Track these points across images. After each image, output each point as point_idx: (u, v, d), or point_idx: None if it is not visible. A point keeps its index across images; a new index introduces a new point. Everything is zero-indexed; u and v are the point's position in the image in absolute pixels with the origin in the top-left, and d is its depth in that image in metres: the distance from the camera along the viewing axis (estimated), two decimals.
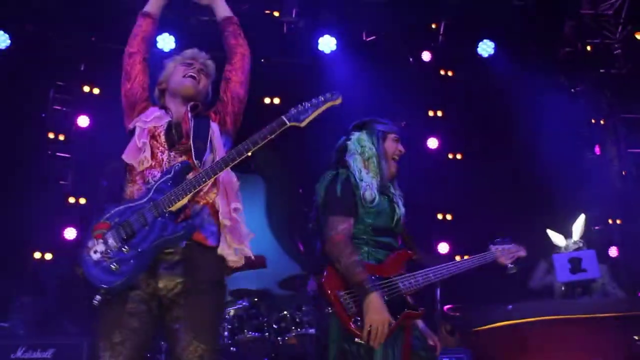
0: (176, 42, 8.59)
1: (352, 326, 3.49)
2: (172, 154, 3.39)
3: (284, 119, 3.45)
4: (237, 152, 3.32)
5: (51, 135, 8.95)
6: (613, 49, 8.97)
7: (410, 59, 9.53)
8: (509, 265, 4.12)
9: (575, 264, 6.42)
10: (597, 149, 9.32)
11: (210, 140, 3.43)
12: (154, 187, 3.25)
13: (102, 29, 8.93)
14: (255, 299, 6.81)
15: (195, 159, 3.34)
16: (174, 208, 3.17)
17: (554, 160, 8.32)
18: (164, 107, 3.60)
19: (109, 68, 8.68)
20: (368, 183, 3.69)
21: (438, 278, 3.78)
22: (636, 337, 5.95)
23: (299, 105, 3.51)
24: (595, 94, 9.27)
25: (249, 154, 3.28)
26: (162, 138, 3.41)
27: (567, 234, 6.73)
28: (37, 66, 8.82)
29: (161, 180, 3.27)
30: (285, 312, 6.59)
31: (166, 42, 8.61)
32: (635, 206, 8.31)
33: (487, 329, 6.69)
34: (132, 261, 3.06)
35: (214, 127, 3.53)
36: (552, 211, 7.91)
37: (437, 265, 3.85)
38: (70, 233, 8.46)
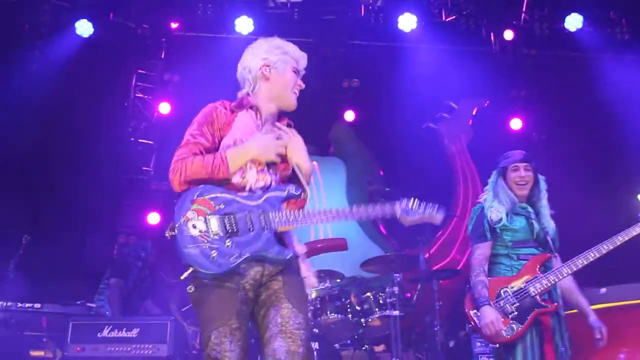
0: (255, 25, 8.57)
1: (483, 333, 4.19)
2: (271, 170, 3.34)
3: (397, 209, 3.49)
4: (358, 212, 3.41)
5: (134, 123, 9.10)
6: None
7: (492, 38, 9.27)
8: None
9: None
10: None
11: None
12: (266, 197, 3.26)
13: (182, 18, 9.02)
14: (338, 280, 6.73)
15: (303, 191, 3.35)
16: (281, 229, 3.22)
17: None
18: (254, 109, 3.45)
19: (189, 55, 8.88)
20: (495, 207, 4.33)
21: (571, 271, 4.20)
22: None
23: (414, 202, 3.51)
24: None
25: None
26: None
27: None
28: (119, 55, 8.98)
29: (273, 193, 3.27)
30: (368, 294, 6.51)
31: (244, 25, 8.60)
32: None
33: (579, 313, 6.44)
34: (232, 259, 3.10)
35: None
36: None
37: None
38: (153, 218, 8.59)
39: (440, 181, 9.13)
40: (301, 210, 3.31)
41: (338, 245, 8.22)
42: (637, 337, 5.55)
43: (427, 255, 6.63)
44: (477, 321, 4.16)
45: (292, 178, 3.41)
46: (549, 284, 4.15)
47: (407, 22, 8.73)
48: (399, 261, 6.56)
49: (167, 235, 3.14)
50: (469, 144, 9.49)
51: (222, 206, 3.16)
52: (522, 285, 4.16)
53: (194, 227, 3.10)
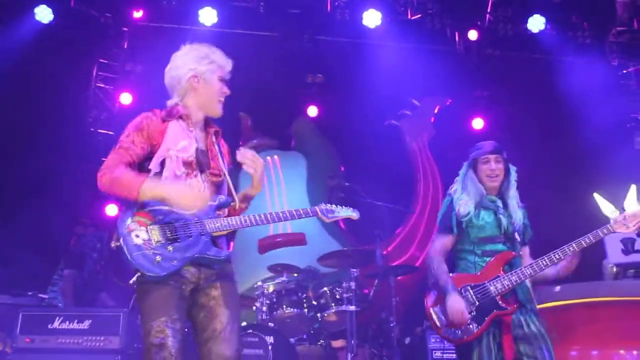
0: (219, 16, 8.48)
1: (442, 332, 4.10)
2: (203, 176, 3.60)
3: (317, 210, 3.82)
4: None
5: (94, 113, 8.96)
6: None
7: (457, 38, 9.31)
8: (637, 233, 4.34)
9: (628, 245, 6.15)
10: None
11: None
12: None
13: (145, 7, 8.91)
14: (295, 275, 6.70)
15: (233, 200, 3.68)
16: (216, 234, 3.55)
17: (602, 143, 8.06)
18: (184, 118, 3.66)
19: (152, 46, 8.76)
20: (464, 201, 4.22)
21: (534, 273, 4.08)
22: None
23: (329, 206, 3.85)
24: None
25: None
26: (194, 165, 3.59)
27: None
28: (80, 43, 8.82)
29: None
30: (325, 289, 6.49)
31: (208, 16, 8.50)
32: None
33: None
34: (175, 262, 3.42)
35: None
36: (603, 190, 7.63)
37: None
38: (111, 210, 8.47)
39: (401, 178, 9.15)
40: (233, 217, 3.60)
41: (297, 239, 8.23)
42: (589, 335, 5.62)
43: (385, 252, 6.63)
44: (436, 319, 4.09)
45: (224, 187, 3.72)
46: (510, 285, 4.05)
47: (372, 18, 8.71)
48: (356, 256, 6.56)
49: (112, 245, 3.42)
50: (430, 142, 9.52)
51: (161, 217, 3.47)
52: (484, 285, 4.06)
53: (137, 236, 3.41)
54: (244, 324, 6.28)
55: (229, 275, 3.62)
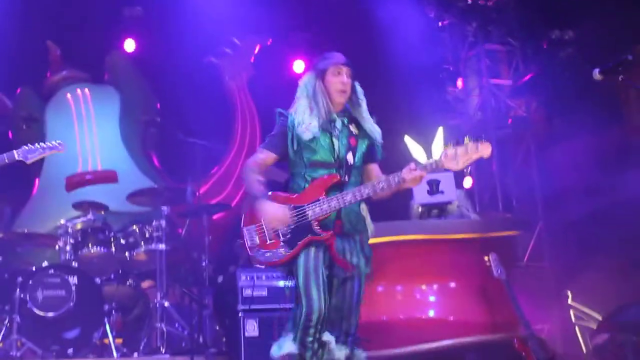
0: None
1: (252, 253, 3.89)
2: None
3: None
4: None
5: None
6: None
7: None
8: (462, 169, 4.01)
9: (433, 186, 6.41)
10: (460, 83, 9.36)
11: None
12: None
13: None
14: (102, 213, 6.39)
15: None
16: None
17: (418, 92, 8.29)
18: None
19: None
20: (306, 123, 3.90)
21: (356, 199, 3.85)
22: (487, 259, 6.05)
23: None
24: (461, 26, 9.26)
25: None
26: None
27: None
28: None
29: None
30: (134, 227, 6.25)
31: None
32: (493, 138, 8.43)
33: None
34: None
35: None
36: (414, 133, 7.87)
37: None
38: None
39: (219, 117, 8.96)
40: None
41: (107, 177, 7.87)
42: (395, 271, 5.83)
43: (200, 191, 6.48)
44: (247, 239, 3.85)
45: None
46: (329, 210, 3.79)
47: None
48: (167, 194, 6.37)
49: None
50: (250, 82, 9.38)
51: None
52: (302, 207, 3.80)
53: None
54: (45, 264, 5.94)
55: None
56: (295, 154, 3.95)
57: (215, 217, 7.38)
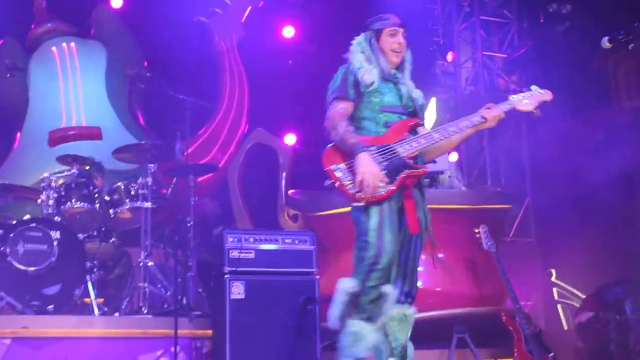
0: None
1: (349, 191, 3.75)
2: None
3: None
4: None
5: None
6: None
7: None
8: (533, 110, 4.10)
9: None
10: (450, 56, 9.24)
11: None
12: None
13: None
14: (87, 168, 6.23)
15: None
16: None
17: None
18: None
19: None
20: (367, 69, 3.96)
21: (444, 137, 3.91)
22: (477, 231, 6.02)
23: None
24: None
25: None
26: None
27: None
28: None
29: None
30: (119, 184, 6.10)
31: None
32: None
33: (327, 215, 6.59)
34: None
35: None
36: None
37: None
38: None
39: (207, 77, 8.80)
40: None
41: (91, 133, 7.70)
42: None
43: (187, 152, 6.33)
44: (340, 176, 3.75)
45: None
46: (418, 147, 3.84)
47: None
48: (153, 151, 6.21)
49: None
50: (239, 44, 9.19)
51: None
52: (390, 146, 3.81)
53: None
54: (27, 217, 5.79)
55: None
56: (363, 98, 3.96)
57: (199, 178, 7.23)
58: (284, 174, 8.01)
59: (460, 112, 8.37)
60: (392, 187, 3.72)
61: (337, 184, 3.78)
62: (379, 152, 3.78)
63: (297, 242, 5.51)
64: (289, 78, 9.06)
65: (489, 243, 5.95)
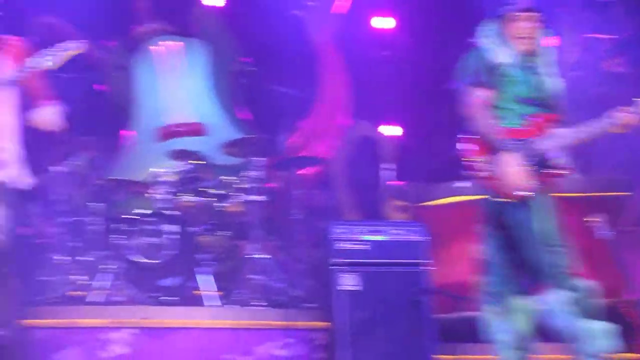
0: None
1: (492, 184, 3.78)
2: None
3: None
4: None
5: None
6: None
7: None
8: None
9: None
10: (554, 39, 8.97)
11: None
12: None
13: None
14: (196, 162, 6.36)
15: None
16: None
17: None
18: None
19: None
20: (500, 50, 3.87)
21: (588, 137, 3.84)
22: (592, 219, 5.84)
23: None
24: None
25: None
26: None
27: None
28: None
29: None
30: (229, 178, 6.23)
31: None
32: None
33: (436, 205, 6.51)
34: None
35: None
36: None
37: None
38: None
39: (306, 70, 8.83)
40: None
41: (197, 129, 7.86)
42: None
43: (290, 142, 6.41)
44: (483, 169, 3.77)
45: None
46: (563, 142, 3.78)
47: None
48: (261, 144, 6.30)
49: None
50: (336, 35, 9.18)
51: None
52: (533, 140, 3.77)
53: None
54: (142, 211, 5.96)
55: None
56: (497, 87, 3.87)
57: (304, 171, 7.28)
58: (388, 165, 7.95)
59: (565, 97, 8.15)
60: (537, 185, 3.70)
61: (482, 176, 3.79)
62: (521, 146, 3.72)
63: (407, 233, 5.51)
64: (388, 69, 8.99)
65: (604, 232, 5.76)
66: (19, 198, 3.96)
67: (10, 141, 3.97)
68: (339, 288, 5.25)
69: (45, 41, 4.43)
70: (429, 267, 5.35)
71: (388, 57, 9.14)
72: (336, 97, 8.88)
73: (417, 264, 5.34)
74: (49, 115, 4.17)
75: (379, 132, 8.52)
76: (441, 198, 6.46)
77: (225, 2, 9.11)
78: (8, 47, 4.03)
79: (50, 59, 3.88)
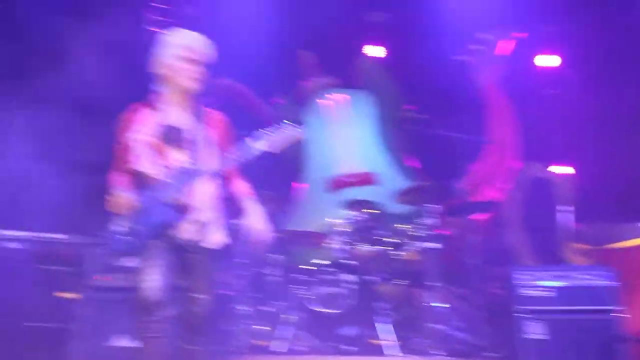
0: None
1: None
2: None
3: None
4: None
5: None
6: None
7: None
8: None
9: None
10: None
11: None
12: None
13: None
14: (371, 212, 6.42)
15: None
16: None
17: None
18: None
19: None
20: None
21: None
22: None
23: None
24: None
25: None
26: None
27: None
28: None
29: None
30: (403, 226, 6.24)
31: None
32: None
33: (623, 247, 6.19)
34: None
35: None
36: None
37: None
38: None
39: (473, 113, 8.75)
40: None
41: (368, 179, 7.98)
42: None
43: (461, 188, 6.33)
44: None
45: None
46: None
47: None
48: (433, 191, 6.26)
49: None
50: (499, 77, 9.08)
51: None
52: None
53: None
54: (320, 261, 6.08)
55: None
56: None
57: (477, 216, 7.15)
58: (565, 207, 7.68)
59: None
60: None
61: None
62: None
63: (594, 277, 5.27)
64: (555, 107, 8.76)
65: None
66: (218, 259, 4.10)
67: (211, 210, 4.12)
68: (524, 336, 5.08)
69: (227, 104, 4.67)
70: (621, 314, 5.06)
71: (554, 96, 8.94)
72: (505, 139, 8.73)
73: (607, 311, 5.09)
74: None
75: (552, 173, 8.27)
76: (626, 239, 6.13)
77: (387, 53, 9.29)
78: (212, 121, 4.14)
79: (266, 144, 4.05)
